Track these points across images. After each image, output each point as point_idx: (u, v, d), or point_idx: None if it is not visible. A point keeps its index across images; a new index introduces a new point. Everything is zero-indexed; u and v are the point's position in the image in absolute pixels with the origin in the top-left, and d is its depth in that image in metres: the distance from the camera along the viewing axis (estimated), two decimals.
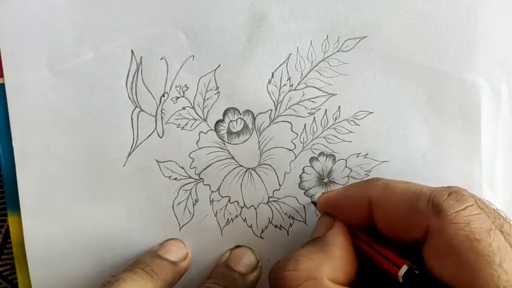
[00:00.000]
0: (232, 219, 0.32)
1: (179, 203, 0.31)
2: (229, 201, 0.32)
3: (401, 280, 0.22)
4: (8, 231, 0.32)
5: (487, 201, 0.23)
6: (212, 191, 0.31)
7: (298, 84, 0.30)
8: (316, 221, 0.28)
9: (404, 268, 0.22)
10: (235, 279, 0.30)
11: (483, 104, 0.30)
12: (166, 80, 0.30)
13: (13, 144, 0.31)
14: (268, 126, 0.31)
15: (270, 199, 0.32)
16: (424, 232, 0.22)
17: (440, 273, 0.21)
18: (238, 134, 0.31)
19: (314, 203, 0.31)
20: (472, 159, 0.30)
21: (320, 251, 0.24)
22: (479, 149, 0.30)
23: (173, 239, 0.32)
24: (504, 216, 0.22)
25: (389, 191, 0.24)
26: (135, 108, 0.31)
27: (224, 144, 0.31)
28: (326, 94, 0.30)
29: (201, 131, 0.31)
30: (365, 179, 0.30)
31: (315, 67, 0.30)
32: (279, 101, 0.31)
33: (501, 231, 0.21)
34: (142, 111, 0.31)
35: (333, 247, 0.24)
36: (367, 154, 0.31)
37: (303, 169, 0.31)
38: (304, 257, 0.24)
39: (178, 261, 0.30)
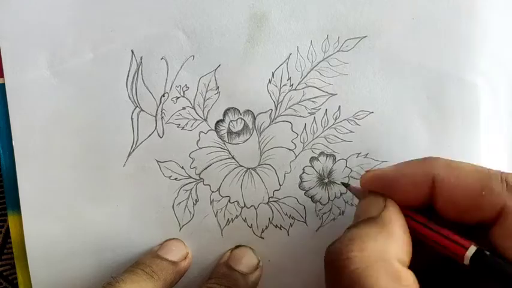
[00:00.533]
0: (232, 219, 0.32)
1: (179, 203, 0.31)
2: (229, 201, 0.32)
3: (467, 262, 0.21)
4: (8, 231, 0.32)
5: None
6: (212, 191, 0.31)
7: (298, 84, 0.30)
8: (359, 203, 0.26)
9: (472, 248, 0.21)
10: (237, 279, 0.30)
11: (483, 103, 0.30)
12: (166, 80, 0.30)
13: (13, 144, 0.31)
14: (268, 126, 0.31)
15: (270, 199, 0.32)
16: (496, 212, 0.22)
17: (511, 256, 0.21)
18: (238, 133, 0.31)
19: (346, 184, 0.29)
20: (472, 159, 0.30)
21: (382, 231, 0.22)
22: (479, 149, 0.30)
23: (173, 238, 0.32)
24: None
25: (455, 170, 0.23)
26: (135, 108, 0.31)
27: (224, 144, 0.31)
28: (326, 94, 0.30)
29: (201, 131, 0.31)
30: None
31: (315, 67, 0.30)
32: (279, 100, 0.31)
33: None
34: (143, 111, 0.31)
35: (395, 227, 0.22)
36: (367, 154, 0.31)
37: (303, 169, 0.31)
38: (368, 237, 0.22)
39: (179, 261, 0.30)
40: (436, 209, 0.24)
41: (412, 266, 0.22)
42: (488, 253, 0.21)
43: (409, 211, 0.24)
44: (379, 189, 0.25)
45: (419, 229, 0.23)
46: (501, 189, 0.22)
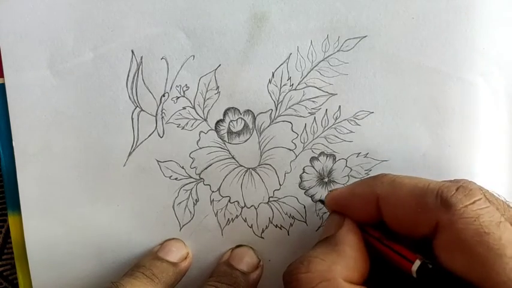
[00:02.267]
0: (232, 219, 0.32)
1: (179, 203, 0.32)
2: (229, 201, 0.32)
3: (415, 275, 0.22)
4: (8, 231, 0.32)
5: (496, 193, 0.23)
6: (212, 191, 0.31)
7: (298, 84, 0.30)
8: (326, 220, 0.28)
9: (417, 263, 0.22)
10: (238, 278, 0.30)
11: (482, 103, 0.30)
12: (166, 79, 0.30)
13: (13, 144, 0.31)
14: (268, 126, 0.31)
15: (271, 199, 0.32)
16: (433, 228, 0.22)
17: (452, 267, 0.21)
18: (238, 133, 0.31)
19: (322, 201, 0.31)
20: (472, 158, 0.30)
21: (332, 251, 0.24)
22: (478, 148, 0.30)
23: (173, 239, 0.32)
24: None
25: (396, 187, 0.24)
26: (135, 108, 0.31)
27: (224, 144, 0.31)
28: (326, 94, 0.30)
29: (201, 131, 0.31)
30: (370, 175, 0.30)
31: (315, 67, 0.30)
32: (280, 100, 0.31)
33: (511, 223, 0.21)
34: (143, 111, 0.31)
35: (344, 246, 0.24)
36: (367, 154, 0.31)
37: (304, 169, 0.31)
38: (316, 258, 0.24)
39: (179, 261, 0.30)
40: (387, 225, 0.25)
41: (377, 280, 0.24)
42: (430, 266, 0.22)
43: (367, 227, 0.25)
44: (338, 208, 0.27)
45: (375, 244, 0.25)
46: (434, 205, 0.22)
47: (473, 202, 0.21)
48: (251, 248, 0.32)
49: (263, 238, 0.32)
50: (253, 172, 0.31)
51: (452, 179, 0.24)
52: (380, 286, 0.24)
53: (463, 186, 0.22)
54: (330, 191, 0.29)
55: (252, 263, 0.31)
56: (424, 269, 0.22)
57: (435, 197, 0.22)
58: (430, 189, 0.23)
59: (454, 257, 0.21)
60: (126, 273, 0.29)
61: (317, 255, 0.24)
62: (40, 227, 0.31)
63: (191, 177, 0.31)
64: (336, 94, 0.30)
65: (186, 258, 0.31)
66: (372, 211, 0.25)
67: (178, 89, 0.30)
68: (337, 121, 0.31)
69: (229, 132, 0.31)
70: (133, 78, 0.30)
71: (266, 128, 0.31)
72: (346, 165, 0.31)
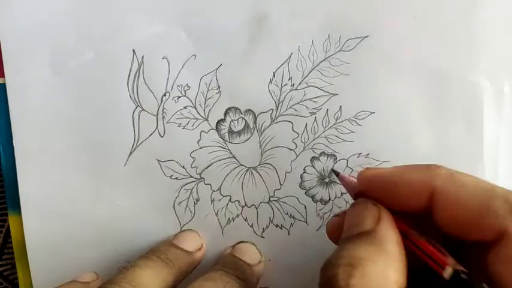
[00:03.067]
0: (233, 219, 0.32)
1: (180, 203, 0.31)
2: (230, 200, 0.32)
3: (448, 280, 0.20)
4: (8, 230, 0.32)
5: None
6: (213, 190, 0.31)
7: (299, 84, 0.30)
8: (353, 206, 0.24)
9: (448, 270, 0.20)
10: (244, 267, 0.30)
11: (485, 104, 0.30)
12: (167, 79, 0.30)
13: (14, 144, 0.31)
14: (269, 125, 0.31)
15: (271, 198, 0.32)
16: (496, 234, 0.20)
17: (507, 280, 0.19)
18: (239, 133, 0.31)
19: (335, 172, 0.28)
20: (475, 159, 0.30)
21: (379, 252, 0.21)
22: (481, 149, 0.30)
23: (188, 229, 0.32)
24: None
25: (457, 183, 0.22)
26: (136, 108, 0.30)
27: (225, 143, 0.31)
28: (327, 94, 0.30)
29: (202, 131, 0.31)
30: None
31: (316, 67, 0.30)
32: (280, 100, 0.31)
33: None
34: (144, 110, 0.31)
35: (392, 245, 0.21)
36: (368, 154, 0.31)
37: (304, 169, 0.31)
38: (368, 260, 0.20)
39: (194, 251, 0.30)
40: (433, 220, 0.22)
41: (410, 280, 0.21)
42: (464, 277, 0.20)
43: (397, 220, 0.23)
44: (375, 189, 0.24)
45: (404, 242, 0.22)
46: (503, 211, 0.20)
47: None
48: (253, 244, 0.32)
49: (263, 238, 0.32)
50: (253, 172, 0.31)
51: None
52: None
53: None
54: (366, 168, 0.25)
55: (254, 258, 0.31)
56: (459, 279, 0.20)
57: (503, 202, 0.20)
58: (497, 193, 0.21)
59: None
60: (141, 256, 0.29)
61: (366, 257, 0.20)
62: (40, 227, 0.31)
63: (192, 177, 0.31)
64: (337, 94, 0.30)
65: (200, 249, 0.31)
66: (422, 203, 0.22)
67: (179, 88, 0.30)
68: (338, 121, 0.31)
69: (230, 131, 0.31)
70: (134, 77, 0.30)
71: (267, 127, 0.31)
72: (347, 166, 0.31)
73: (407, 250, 0.22)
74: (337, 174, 0.28)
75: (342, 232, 0.23)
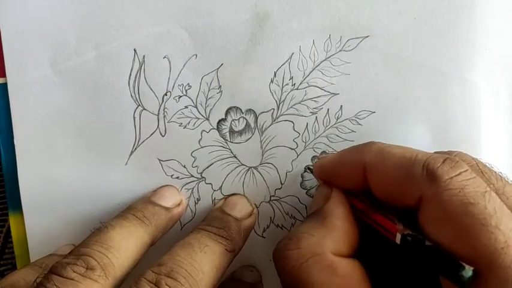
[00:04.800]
0: None
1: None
2: None
3: (399, 244, 0.22)
4: (9, 230, 0.32)
5: (489, 164, 0.23)
6: (214, 190, 0.31)
7: (300, 84, 0.30)
8: (314, 192, 0.27)
9: (398, 236, 0.22)
10: (230, 222, 0.29)
11: (484, 103, 0.30)
12: (168, 78, 0.30)
13: (15, 143, 0.31)
14: (270, 125, 0.31)
15: (272, 198, 0.32)
16: (418, 200, 0.22)
17: (438, 239, 0.21)
18: (240, 133, 0.31)
19: (310, 169, 0.30)
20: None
21: (320, 225, 0.24)
22: (480, 148, 0.30)
23: (167, 185, 0.31)
24: (506, 178, 0.22)
25: (384, 156, 0.23)
26: (137, 107, 0.31)
27: (226, 143, 0.31)
28: (328, 93, 0.30)
29: (203, 130, 0.31)
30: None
31: (317, 66, 0.30)
32: (281, 100, 0.31)
33: (498, 193, 0.20)
34: (145, 110, 0.31)
35: (333, 219, 0.24)
36: None
37: (305, 168, 0.31)
38: (305, 233, 0.23)
39: (172, 207, 0.30)
40: (372, 193, 0.24)
41: (367, 248, 0.24)
42: (409, 239, 0.21)
43: (352, 197, 0.25)
44: (325, 176, 0.26)
45: (360, 216, 0.24)
46: (420, 177, 0.21)
47: (459, 174, 0.21)
48: (244, 196, 0.31)
49: (264, 238, 0.32)
50: (254, 171, 0.31)
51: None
52: (370, 256, 0.24)
53: (449, 158, 0.22)
54: (318, 158, 0.27)
55: (245, 210, 0.30)
56: (407, 241, 0.21)
57: (421, 168, 0.22)
58: (417, 160, 0.22)
59: (439, 229, 0.21)
60: (117, 215, 0.28)
61: (306, 231, 0.23)
62: (42, 226, 0.31)
63: (193, 176, 0.31)
64: (338, 94, 0.30)
65: (179, 204, 0.30)
66: (359, 179, 0.24)
67: (181, 88, 0.30)
68: (338, 121, 0.31)
69: (231, 131, 0.31)
70: (136, 77, 0.30)
71: (268, 127, 0.31)
72: None
73: (367, 226, 0.24)
74: (311, 171, 0.29)
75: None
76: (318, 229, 0.23)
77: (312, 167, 0.29)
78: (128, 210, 0.28)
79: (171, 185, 0.31)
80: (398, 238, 0.22)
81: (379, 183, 0.23)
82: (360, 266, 0.23)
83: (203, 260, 0.25)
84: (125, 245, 0.26)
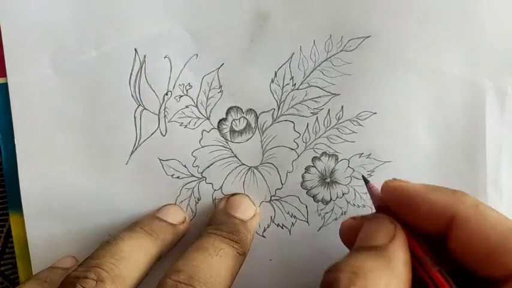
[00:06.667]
0: None
1: (181, 202, 0.31)
2: None
3: None
4: (9, 230, 0.32)
5: None
6: (215, 190, 0.31)
7: (301, 84, 0.30)
8: (372, 219, 0.24)
9: None
10: (238, 225, 0.29)
11: (488, 104, 0.30)
12: (169, 78, 0.30)
13: (15, 143, 0.31)
14: (270, 125, 0.31)
15: (273, 198, 0.32)
16: (507, 274, 0.20)
17: None
18: (241, 132, 0.31)
19: (365, 179, 0.27)
20: (477, 160, 0.30)
21: (386, 268, 0.21)
22: (483, 150, 0.30)
23: (171, 204, 0.31)
24: None
25: (480, 214, 0.21)
26: (138, 107, 0.31)
27: (227, 142, 0.31)
28: (329, 94, 0.30)
29: (203, 130, 0.31)
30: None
31: (318, 67, 0.30)
32: (282, 100, 0.31)
33: None
34: (146, 109, 0.31)
35: (399, 264, 0.21)
36: (369, 154, 0.31)
37: (306, 168, 0.31)
38: (372, 273, 0.20)
39: (177, 224, 0.30)
40: (448, 246, 0.22)
41: None
42: None
43: (411, 237, 0.23)
44: (397, 202, 0.24)
45: (417, 267, 0.22)
46: None
47: None
48: (246, 195, 0.31)
49: (265, 237, 0.32)
50: (255, 171, 0.31)
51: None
52: None
53: None
54: (393, 179, 0.25)
55: (249, 211, 0.30)
56: None
57: None
58: None
59: None
60: (125, 229, 0.28)
61: (372, 269, 0.21)
62: (42, 226, 0.31)
63: (193, 176, 0.31)
64: (339, 94, 0.30)
65: (183, 222, 0.31)
66: (438, 226, 0.22)
67: (181, 87, 0.30)
68: (339, 121, 0.31)
69: (232, 131, 0.31)
70: (136, 76, 0.30)
71: (268, 127, 0.31)
72: (348, 166, 0.31)
73: (418, 275, 0.22)
74: (366, 182, 0.27)
75: (355, 238, 0.23)
76: (384, 272, 0.21)
77: (366, 178, 0.27)
78: (136, 224, 0.29)
79: (174, 204, 0.31)
80: None
81: (467, 241, 0.21)
82: None
83: (220, 264, 0.25)
84: (135, 256, 0.26)
